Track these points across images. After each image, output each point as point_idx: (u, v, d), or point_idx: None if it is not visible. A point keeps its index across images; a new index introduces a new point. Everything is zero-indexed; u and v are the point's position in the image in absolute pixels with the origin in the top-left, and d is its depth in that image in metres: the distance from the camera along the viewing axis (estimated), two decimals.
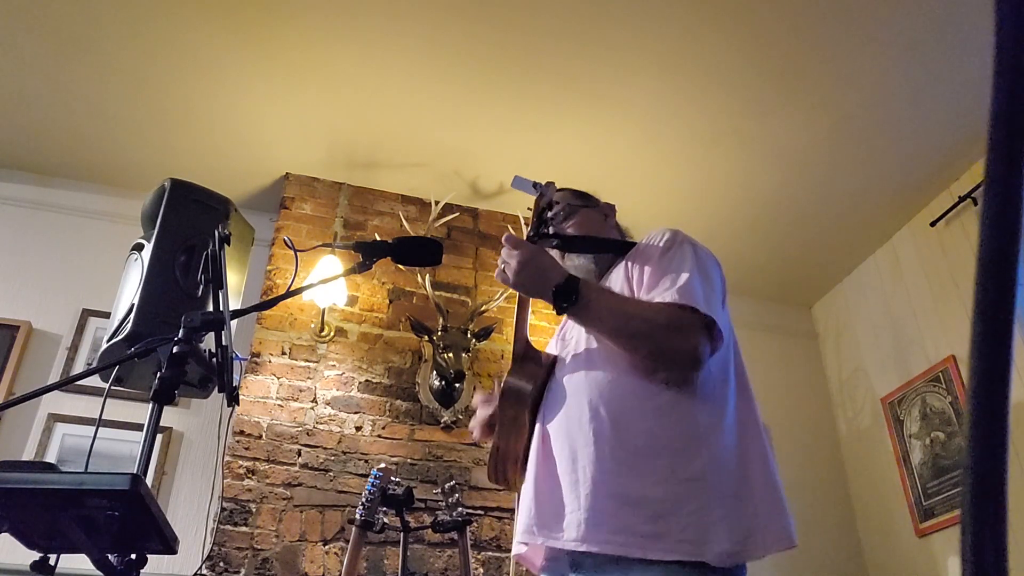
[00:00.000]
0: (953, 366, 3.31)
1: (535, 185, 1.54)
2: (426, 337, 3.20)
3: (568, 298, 1.34)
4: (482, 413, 1.60)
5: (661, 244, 1.47)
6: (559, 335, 1.59)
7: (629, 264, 1.50)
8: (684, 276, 1.36)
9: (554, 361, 1.51)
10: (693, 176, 3.45)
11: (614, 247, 1.62)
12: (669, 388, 1.33)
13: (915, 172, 3.38)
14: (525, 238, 1.50)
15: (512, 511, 2.98)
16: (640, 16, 2.71)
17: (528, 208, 1.60)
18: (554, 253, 1.57)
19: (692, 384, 1.33)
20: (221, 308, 1.35)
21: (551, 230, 1.56)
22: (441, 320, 3.20)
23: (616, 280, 1.50)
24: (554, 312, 1.39)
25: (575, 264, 1.60)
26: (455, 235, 3.61)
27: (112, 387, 1.45)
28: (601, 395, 1.35)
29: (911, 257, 3.66)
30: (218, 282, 1.38)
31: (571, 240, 1.60)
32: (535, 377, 1.47)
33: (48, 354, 3.14)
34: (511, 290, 1.62)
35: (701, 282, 1.36)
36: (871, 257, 3.93)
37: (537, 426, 1.44)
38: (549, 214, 1.55)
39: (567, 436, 1.36)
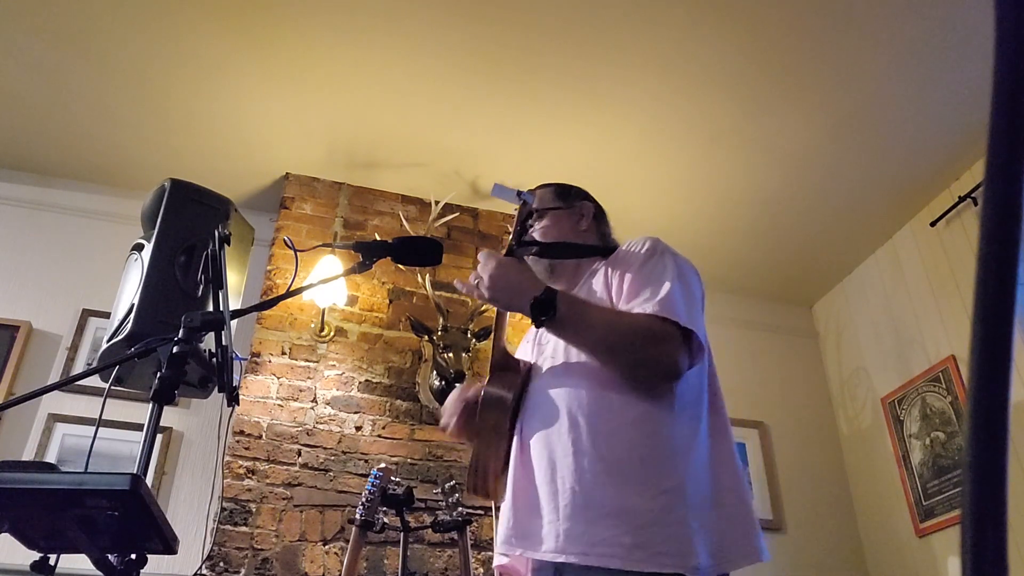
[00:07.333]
0: (953, 366, 3.30)
1: (518, 194, 1.48)
2: (426, 337, 3.20)
3: (546, 311, 1.31)
4: (457, 406, 1.53)
5: (642, 252, 1.44)
6: (534, 340, 1.55)
7: (608, 271, 1.47)
8: (665, 287, 1.34)
9: (530, 368, 1.48)
10: (693, 176, 3.44)
11: (586, 253, 1.59)
12: (646, 399, 1.32)
13: (915, 172, 3.38)
14: (507, 247, 1.47)
15: None
16: (640, 16, 2.71)
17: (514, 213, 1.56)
18: (533, 261, 1.55)
19: (670, 395, 1.33)
20: (221, 308, 1.35)
21: (532, 237, 1.53)
22: (441, 320, 3.20)
23: (596, 287, 1.48)
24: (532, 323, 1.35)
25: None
26: (455, 235, 3.61)
27: (112, 387, 1.45)
28: (580, 405, 1.34)
29: (911, 257, 3.66)
30: (218, 282, 1.38)
31: (548, 247, 1.57)
32: (514, 386, 1.45)
33: (48, 354, 3.14)
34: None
35: (682, 293, 1.35)
36: (871, 257, 3.93)
37: (516, 436, 1.43)
38: (531, 222, 1.50)
39: (546, 446, 1.35)
